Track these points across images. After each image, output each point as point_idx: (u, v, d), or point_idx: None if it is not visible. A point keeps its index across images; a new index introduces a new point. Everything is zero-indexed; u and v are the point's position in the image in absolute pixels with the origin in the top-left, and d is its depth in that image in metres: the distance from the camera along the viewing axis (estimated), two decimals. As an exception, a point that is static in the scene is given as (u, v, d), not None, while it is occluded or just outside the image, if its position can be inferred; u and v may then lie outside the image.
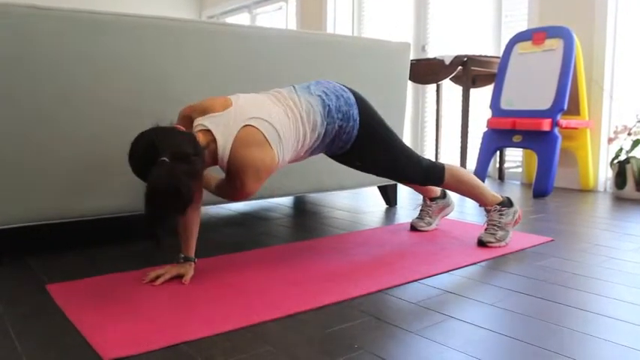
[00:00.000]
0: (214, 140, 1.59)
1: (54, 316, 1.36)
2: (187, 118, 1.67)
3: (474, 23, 4.26)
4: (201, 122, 1.61)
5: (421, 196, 2.65)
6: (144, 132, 1.52)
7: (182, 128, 1.58)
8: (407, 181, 2.01)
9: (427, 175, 1.97)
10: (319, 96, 1.78)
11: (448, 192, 2.35)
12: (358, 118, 1.82)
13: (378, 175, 1.98)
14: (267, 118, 1.63)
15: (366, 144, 1.86)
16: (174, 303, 1.44)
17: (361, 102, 1.86)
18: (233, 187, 1.64)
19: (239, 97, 1.68)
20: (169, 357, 1.14)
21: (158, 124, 1.56)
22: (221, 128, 1.59)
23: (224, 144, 1.59)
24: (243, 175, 1.60)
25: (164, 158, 1.42)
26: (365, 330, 1.27)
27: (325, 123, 1.76)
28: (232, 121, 1.60)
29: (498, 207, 2.04)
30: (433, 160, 2.06)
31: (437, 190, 2.30)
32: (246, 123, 1.60)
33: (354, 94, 1.86)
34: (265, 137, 1.61)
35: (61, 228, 2.38)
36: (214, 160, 1.63)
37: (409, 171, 1.95)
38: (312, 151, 1.84)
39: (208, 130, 1.60)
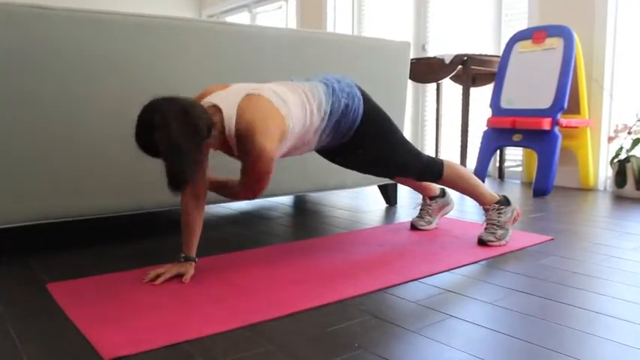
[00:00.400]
0: (220, 112, 1.61)
1: (54, 315, 1.36)
2: None
3: (474, 22, 4.25)
4: (206, 100, 1.65)
5: (421, 196, 2.65)
6: (146, 105, 1.54)
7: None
8: (406, 175, 1.98)
9: (426, 170, 1.96)
10: (320, 81, 1.82)
11: (447, 191, 2.35)
12: (362, 99, 1.84)
13: (377, 168, 1.96)
14: (270, 87, 1.67)
15: (368, 131, 1.86)
16: (175, 302, 1.44)
17: (361, 90, 1.89)
18: (251, 157, 1.59)
19: (238, 83, 1.72)
20: (170, 356, 1.14)
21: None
22: (225, 102, 1.62)
23: (229, 113, 1.60)
24: (252, 132, 1.57)
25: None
26: (365, 329, 1.27)
27: (330, 101, 1.77)
28: (235, 94, 1.64)
29: (497, 206, 2.04)
30: (433, 156, 2.06)
31: (436, 189, 2.30)
32: (249, 92, 1.63)
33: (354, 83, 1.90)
34: (270, 100, 1.63)
35: (62, 227, 2.38)
36: (223, 137, 1.63)
37: (408, 164, 1.94)
38: (321, 134, 1.81)
39: (214, 105, 1.62)
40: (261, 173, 1.62)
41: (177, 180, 1.48)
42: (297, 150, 1.83)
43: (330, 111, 1.78)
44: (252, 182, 1.65)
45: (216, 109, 1.62)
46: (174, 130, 1.46)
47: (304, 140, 1.80)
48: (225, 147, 1.69)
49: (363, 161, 1.95)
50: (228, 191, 1.76)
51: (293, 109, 1.68)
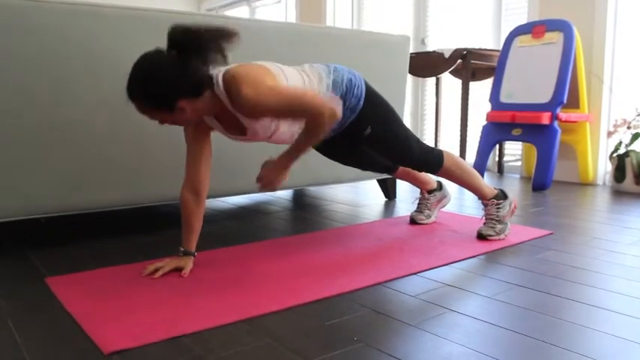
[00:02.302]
0: (210, 79, 1.56)
1: (53, 309, 1.36)
2: None
3: (473, 16, 4.24)
4: None
5: (419, 190, 2.65)
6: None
7: None
8: (407, 162, 1.95)
9: (427, 158, 1.95)
10: (319, 64, 1.81)
11: (444, 184, 2.35)
12: (363, 81, 1.84)
13: (380, 154, 1.95)
14: (262, 63, 1.65)
15: (373, 110, 1.84)
16: (174, 296, 1.44)
17: (362, 78, 1.88)
18: (240, 99, 1.51)
19: None
20: (168, 349, 1.14)
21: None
22: (215, 70, 1.58)
23: (216, 73, 1.57)
24: (237, 82, 1.51)
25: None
26: (364, 323, 1.27)
27: (332, 76, 1.76)
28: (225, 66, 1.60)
29: (495, 201, 2.04)
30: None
31: (433, 183, 2.30)
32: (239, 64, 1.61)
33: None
34: (261, 64, 1.61)
35: (61, 221, 2.37)
36: (215, 100, 1.58)
37: (411, 149, 1.91)
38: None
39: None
40: (286, 106, 1.55)
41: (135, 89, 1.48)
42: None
43: (334, 83, 1.75)
44: (305, 115, 1.57)
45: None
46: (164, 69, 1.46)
47: None
48: (227, 114, 1.62)
49: (368, 148, 1.93)
50: (307, 133, 1.62)
51: (289, 75, 1.66)
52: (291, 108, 1.55)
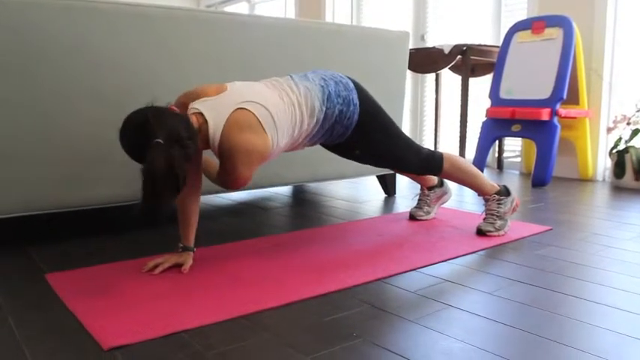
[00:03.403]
0: (206, 122, 1.58)
1: (53, 305, 1.37)
2: (183, 105, 1.66)
3: (473, 12, 4.24)
4: (194, 106, 1.61)
5: (419, 186, 2.65)
6: (137, 110, 1.52)
7: (176, 110, 1.56)
8: (405, 171, 2.00)
9: (426, 165, 1.96)
10: (317, 83, 1.77)
11: (445, 180, 2.35)
12: (358, 103, 1.81)
13: (376, 164, 1.97)
14: (261, 102, 1.62)
15: (365, 131, 1.85)
16: (173, 292, 1.44)
17: (360, 89, 1.85)
18: (225, 172, 1.61)
19: (235, 83, 1.67)
20: (168, 345, 1.14)
21: (153, 103, 1.55)
22: (213, 112, 1.58)
23: (215, 127, 1.57)
24: (234, 159, 1.57)
25: (159, 140, 1.42)
26: (363, 318, 1.28)
27: (324, 108, 1.74)
28: (225, 105, 1.59)
29: (497, 196, 2.04)
30: (432, 149, 2.05)
31: (434, 179, 2.30)
32: (239, 106, 1.58)
33: (352, 81, 1.86)
34: (259, 120, 1.59)
35: (61, 217, 2.37)
36: (206, 144, 1.61)
37: (408, 160, 1.94)
38: (312, 138, 1.80)
39: (201, 113, 1.58)
40: (230, 184, 1.64)
41: (152, 209, 1.46)
42: (288, 150, 1.82)
43: (324, 117, 1.75)
44: (223, 183, 1.66)
45: (203, 118, 1.58)
46: (181, 176, 1.44)
47: (294, 145, 1.79)
48: (207, 148, 1.67)
49: (360, 158, 1.95)
50: (209, 171, 1.75)
51: (281, 124, 1.65)
52: (229, 178, 1.62)
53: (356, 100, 1.81)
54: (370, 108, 1.85)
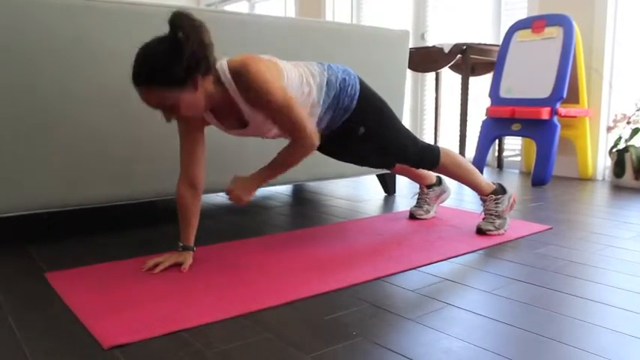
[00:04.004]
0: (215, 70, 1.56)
1: (53, 304, 1.37)
2: None
3: (473, 11, 4.23)
4: None
5: (418, 185, 2.65)
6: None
7: None
8: (404, 160, 1.96)
9: (424, 155, 1.95)
10: (313, 62, 1.81)
11: (443, 178, 2.35)
12: (358, 83, 1.84)
13: (376, 153, 1.95)
14: (266, 56, 1.65)
15: (368, 110, 1.84)
16: (173, 290, 1.44)
17: (357, 76, 1.88)
18: (261, 96, 1.54)
19: None
20: (168, 344, 1.14)
21: None
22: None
23: (221, 62, 1.56)
24: (248, 66, 1.52)
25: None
26: (363, 317, 1.28)
27: (326, 74, 1.76)
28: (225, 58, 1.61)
29: (493, 196, 2.04)
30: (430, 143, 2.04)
31: (432, 177, 2.30)
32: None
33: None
34: (265, 57, 1.63)
35: (61, 216, 2.37)
36: (221, 93, 1.57)
37: (408, 149, 1.92)
38: (322, 107, 1.77)
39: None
40: (287, 108, 1.58)
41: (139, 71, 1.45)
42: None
43: (327, 82, 1.76)
44: (292, 127, 1.62)
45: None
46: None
47: (306, 108, 1.75)
48: (227, 106, 1.61)
49: (363, 146, 1.93)
50: (283, 159, 1.70)
51: (289, 72, 1.66)
52: (288, 113, 1.59)
53: (355, 75, 1.85)
54: (369, 89, 1.88)
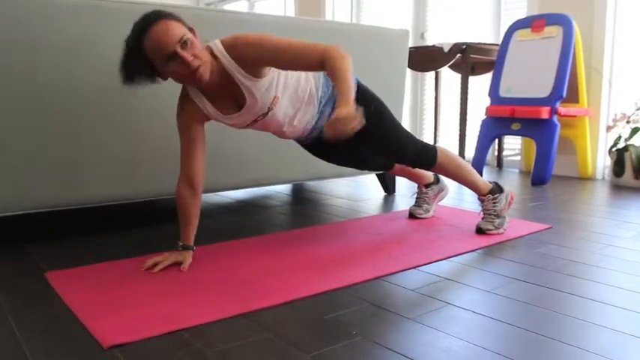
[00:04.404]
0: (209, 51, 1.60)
1: (53, 303, 1.37)
2: None
3: (473, 11, 4.23)
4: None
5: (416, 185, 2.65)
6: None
7: None
8: (402, 159, 1.95)
9: (420, 156, 1.94)
10: None
11: (441, 177, 2.35)
12: (355, 78, 1.82)
13: (375, 152, 1.94)
14: None
15: (365, 110, 1.82)
16: (173, 290, 1.44)
17: (355, 76, 1.87)
18: (269, 53, 1.55)
19: None
20: (168, 343, 1.14)
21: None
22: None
23: (214, 42, 1.62)
24: (244, 37, 1.58)
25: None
26: (363, 317, 1.28)
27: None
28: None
29: (491, 196, 2.04)
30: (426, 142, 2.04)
31: (430, 176, 2.30)
32: None
33: None
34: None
35: (60, 216, 2.37)
36: (219, 69, 1.60)
37: (406, 146, 1.91)
38: (320, 100, 1.77)
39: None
40: (287, 41, 1.58)
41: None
42: (304, 112, 1.78)
43: (325, 79, 1.76)
44: (307, 53, 1.57)
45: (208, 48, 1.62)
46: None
47: (305, 97, 1.74)
48: (224, 85, 1.62)
49: (362, 145, 1.93)
50: (340, 66, 1.54)
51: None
52: (297, 47, 1.56)
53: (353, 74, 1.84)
54: (365, 91, 1.87)
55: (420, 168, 1.99)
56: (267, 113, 1.70)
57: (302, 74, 1.73)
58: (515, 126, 3.35)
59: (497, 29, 4.07)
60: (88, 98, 1.88)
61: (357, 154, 2.03)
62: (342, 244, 1.88)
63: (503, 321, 1.25)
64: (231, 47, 1.58)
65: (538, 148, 3.21)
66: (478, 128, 3.57)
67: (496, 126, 3.46)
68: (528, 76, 3.36)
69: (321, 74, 1.79)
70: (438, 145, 2.01)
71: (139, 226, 2.17)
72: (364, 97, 1.84)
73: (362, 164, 2.13)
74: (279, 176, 2.38)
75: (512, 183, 3.28)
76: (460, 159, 2.02)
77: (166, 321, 1.24)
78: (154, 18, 1.51)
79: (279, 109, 1.71)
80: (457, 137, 3.79)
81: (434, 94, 4.29)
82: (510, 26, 3.53)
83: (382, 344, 1.13)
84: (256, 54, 1.57)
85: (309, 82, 1.76)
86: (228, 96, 1.65)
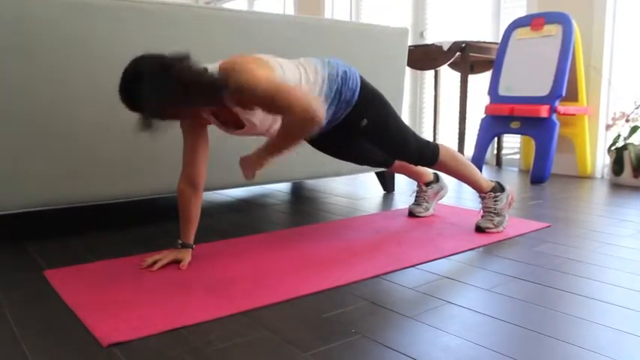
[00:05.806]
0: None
1: (52, 301, 1.37)
2: None
3: (472, 9, 4.23)
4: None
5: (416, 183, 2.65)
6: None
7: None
8: (404, 156, 1.95)
9: (422, 153, 1.94)
10: (314, 58, 1.81)
11: (441, 175, 2.35)
12: (358, 75, 1.83)
13: (378, 147, 1.94)
14: (263, 55, 1.65)
15: (369, 103, 1.84)
16: (172, 288, 1.44)
17: (357, 72, 1.87)
18: (281, 107, 1.49)
19: None
20: (167, 342, 1.14)
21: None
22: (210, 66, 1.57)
23: (211, 67, 1.55)
24: (234, 70, 1.49)
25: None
26: (362, 315, 1.28)
27: (327, 69, 1.76)
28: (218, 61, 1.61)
29: (492, 194, 2.04)
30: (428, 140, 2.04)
31: (430, 175, 2.30)
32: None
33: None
34: (259, 56, 1.62)
35: (60, 214, 2.37)
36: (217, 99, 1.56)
37: (409, 142, 1.91)
38: (325, 101, 1.76)
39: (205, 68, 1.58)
40: (274, 91, 1.50)
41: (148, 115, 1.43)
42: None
43: (328, 76, 1.75)
44: (288, 109, 1.51)
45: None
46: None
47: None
48: (221, 109, 1.61)
49: (364, 140, 1.93)
50: (283, 138, 1.58)
51: (287, 69, 1.65)
52: (277, 99, 1.49)
53: (354, 69, 1.84)
54: (367, 87, 1.87)
55: (422, 165, 1.99)
56: (268, 130, 1.72)
57: (303, 83, 1.69)
58: (515, 124, 3.36)
59: (496, 28, 4.07)
60: (88, 97, 1.88)
61: (360, 148, 2.03)
62: (341, 243, 1.88)
63: (502, 319, 1.25)
64: (226, 78, 1.50)
65: (537, 146, 3.22)
66: (477, 127, 3.57)
67: (495, 124, 3.47)
68: (528, 74, 3.36)
69: (325, 80, 1.75)
70: (440, 143, 2.01)
71: (139, 224, 2.16)
72: (367, 95, 1.84)
73: (364, 159, 2.13)
74: (277, 174, 2.38)
75: (511, 181, 3.29)
76: (462, 156, 2.02)
77: (165, 319, 1.24)
78: None
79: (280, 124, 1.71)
80: (456, 136, 3.79)
81: (433, 93, 4.29)
82: (510, 25, 3.53)
83: (381, 342, 1.14)
84: (241, 98, 1.54)
85: (313, 91, 1.73)
86: (229, 117, 1.65)
